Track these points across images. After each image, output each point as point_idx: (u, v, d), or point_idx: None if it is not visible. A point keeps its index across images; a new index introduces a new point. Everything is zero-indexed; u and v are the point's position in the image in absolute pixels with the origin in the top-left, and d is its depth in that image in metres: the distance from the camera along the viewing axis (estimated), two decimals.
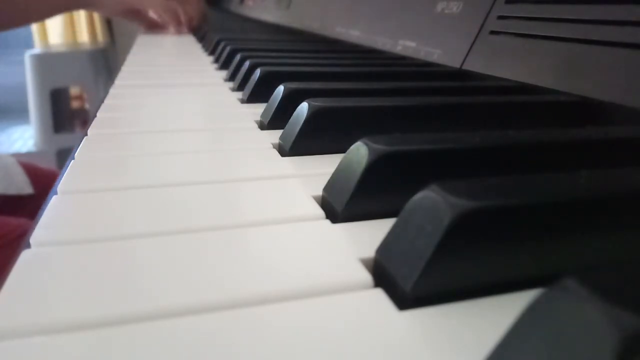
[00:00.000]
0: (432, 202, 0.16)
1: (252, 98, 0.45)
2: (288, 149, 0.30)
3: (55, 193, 0.24)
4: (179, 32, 1.21)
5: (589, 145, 0.25)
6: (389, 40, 0.63)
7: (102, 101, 0.45)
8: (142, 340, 0.14)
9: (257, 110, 0.41)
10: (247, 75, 0.50)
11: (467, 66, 0.47)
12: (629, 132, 0.27)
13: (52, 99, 2.18)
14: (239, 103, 0.45)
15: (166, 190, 0.24)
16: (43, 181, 0.87)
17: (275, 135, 0.34)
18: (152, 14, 1.22)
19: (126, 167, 0.28)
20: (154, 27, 1.26)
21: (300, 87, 0.37)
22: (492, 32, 0.45)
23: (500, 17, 0.45)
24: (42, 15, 1.02)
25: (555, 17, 0.39)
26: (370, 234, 0.20)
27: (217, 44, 0.77)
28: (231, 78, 0.57)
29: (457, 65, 0.48)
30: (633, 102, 0.30)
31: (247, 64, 0.52)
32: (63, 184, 0.25)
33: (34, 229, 0.20)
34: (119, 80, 0.56)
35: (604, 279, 0.11)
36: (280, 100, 0.36)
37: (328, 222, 0.21)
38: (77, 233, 0.20)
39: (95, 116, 0.39)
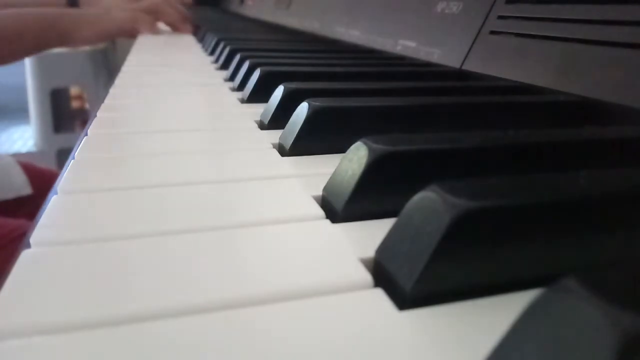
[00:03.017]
0: (432, 202, 0.16)
1: (252, 98, 0.45)
2: (288, 149, 0.30)
3: (55, 193, 0.24)
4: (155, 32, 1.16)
5: (589, 145, 0.25)
6: (389, 40, 0.63)
7: (102, 101, 0.45)
8: (142, 340, 0.14)
9: (257, 110, 0.41)
10: (247, 75, 0.50)
11: (467, 66, 0.47)
12: (629, 132, 0.27)
13: (52, 99, 2.18)
14: (239, 103, 0.45)
15: (166, 190, 0.24)
16: (43, 181, 0.87)
17: (275, 135, 0.34)
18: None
19: (126, 167, 0.28)
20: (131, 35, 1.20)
21: (300, 87, 0.37)
22: (492, 32, 0.45)
23: (500, 17, 0.45)
24: (8, 59, 1.00)
25: (555, 17, 0.39)
26: (370, 234, 0.20)
27: (217, 44, 0.77)
28: (231, 78, 0.57)
29: (457, 65, 0.48)
30: (633, 102, 0.30)
31: (247, 64, 0.52)
32: (63, 184, 0.25)
33: (34, 229, 0.20)
34: (119, 80, 0.56)
35: (604, 279, 0.11)
36: (280, 100, 0.36)
37: (328, 222, 0.21)
38: (77, 233, 0.20)
39: (95, 116, 0.39)
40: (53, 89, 2.18)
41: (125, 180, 0.26)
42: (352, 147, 0.23)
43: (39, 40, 0.96)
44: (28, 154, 2.32)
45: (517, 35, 0.42)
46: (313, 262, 0.18)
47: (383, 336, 0.14)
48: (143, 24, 1.07)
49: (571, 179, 0.18)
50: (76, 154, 0.30)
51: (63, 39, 0.99)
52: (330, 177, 0.24)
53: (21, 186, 0.84)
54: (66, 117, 2.32)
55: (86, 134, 0.34)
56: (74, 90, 2.45)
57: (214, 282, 0.17)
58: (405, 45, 0.59)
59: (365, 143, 0.22)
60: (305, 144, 0.30)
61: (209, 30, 0.98)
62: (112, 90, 0.50)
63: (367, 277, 0.17)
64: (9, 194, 0.83)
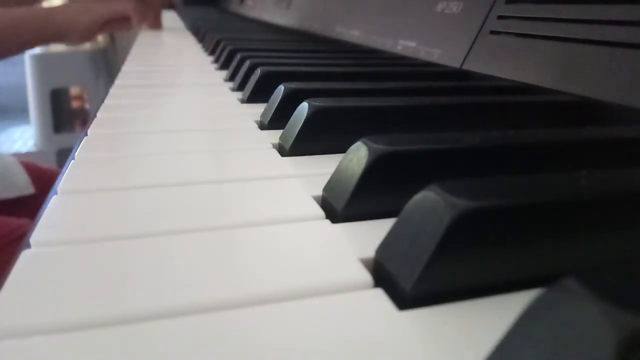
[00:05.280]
0: (432, 202, 0.16)
1: (252, 98, 0.45)
2: (288, 149, 0.30)
3: (55, 193, 0.24)
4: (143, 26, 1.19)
5: (589, 145, 0.25)
6: (389, 40, 0.63)
7: (102, 101, 0.45)
8: (142, 340, 0.14)
9: (257, 110, 0.41)
10: (247, 75, 0.50)
11: (467, 66, 0.47)
12: (629, 132, 0.27)
13: (52, 99, 2.18)
14: (239, 103, 0.45)
15: (166, 190, 0.24)
16: (43, 180, 0.87)
17: (275, 135, 0.34)
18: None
19: (126, 167, 0.28)
20: (123, 24, 1.23)
21: (300, 87, 0.37)
22: (492, 32, 0.45)
23: (500, 17, 0.45)
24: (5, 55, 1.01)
25: (555, 17, 0.39)
26: (370, 234, 0.20)
27: (217, 44, 0.77)
28: (231, 78, 0.57)
29: (457, 65, 0.48)
30: (633, 102, 0.30)
31: (247, 64, 0.52)
32: (63, 184, 0.25)
33: (34, 229, 0.20)
34: (119, 80, 0.56)
35: (604, 279, 0.11)
36: (280, 100, 0.36)
37: (328, 222, 0.21)
38: (77, 233, 0.20)
39: (95, 116, 0.39)
40: (53, 89, 2.18)
41: (125, 180, 0.26)
42: (352, 147, 0.23)
43: (37, 34, 0.96)
44: (28, 154, 2.32)
45: (517, 35, 0.42)
46: (313, 262, 0.18)
47: (383, 336, 0.14)
48: (135, 11, 1.08)
49: (571, 179, 0.18)
50: (76, 154, 0.30)
51: (61, 32, 0.99)
52: (330, 177, 0.24)
53: (23, 186, 0.84)
54: (66, 117, 2.32)
55: (86, 134, 0.34)
56: (74, 90, 2.45)
57: (214, 282, 0.17)
58: (405, 45, 0.59)
59: (365, 143, 0.22)
60: (305, 144, 0.30)
61: (209, 30, 0.98)
62: (112, 90, 0.50)
63: (367, 277, 0.17)
64: (11, 194, 0.83)
